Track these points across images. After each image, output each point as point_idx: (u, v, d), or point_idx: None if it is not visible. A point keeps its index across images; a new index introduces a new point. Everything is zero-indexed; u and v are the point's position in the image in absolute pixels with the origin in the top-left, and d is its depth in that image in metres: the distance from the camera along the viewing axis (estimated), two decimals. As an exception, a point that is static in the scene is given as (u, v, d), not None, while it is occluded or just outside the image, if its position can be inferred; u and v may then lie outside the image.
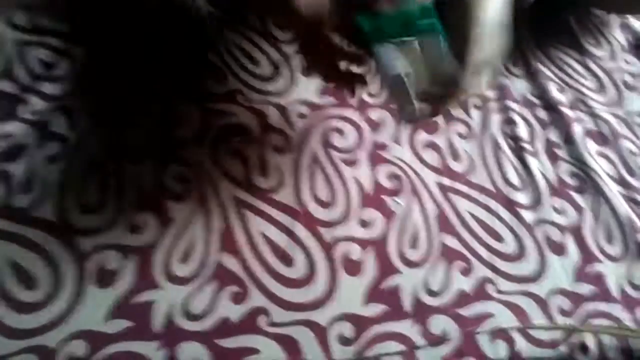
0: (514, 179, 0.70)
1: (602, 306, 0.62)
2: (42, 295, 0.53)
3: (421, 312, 0.58)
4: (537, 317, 0.60)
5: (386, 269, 0.60)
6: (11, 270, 0.53)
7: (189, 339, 0.53)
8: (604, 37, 0.88)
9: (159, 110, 0.65)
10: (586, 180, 0.71)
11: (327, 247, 0.60)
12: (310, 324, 0.56)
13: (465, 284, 0.61)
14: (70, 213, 0.57)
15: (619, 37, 0.89)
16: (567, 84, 0.80)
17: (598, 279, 0.64)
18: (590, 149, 0.74)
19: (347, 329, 0.56)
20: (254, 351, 0.54)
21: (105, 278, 0.55)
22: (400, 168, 0.67)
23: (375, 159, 0.67)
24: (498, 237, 0.65)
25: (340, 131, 0.68)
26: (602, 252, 0.66)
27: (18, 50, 0.65)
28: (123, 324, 0.53)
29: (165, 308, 0.54)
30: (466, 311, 0.59)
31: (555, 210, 0.68)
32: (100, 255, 0.55)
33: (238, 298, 0.56)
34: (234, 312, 0.55)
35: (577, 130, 0.75)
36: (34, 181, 0.58)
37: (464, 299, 0.60)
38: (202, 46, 0.71)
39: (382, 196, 0.65)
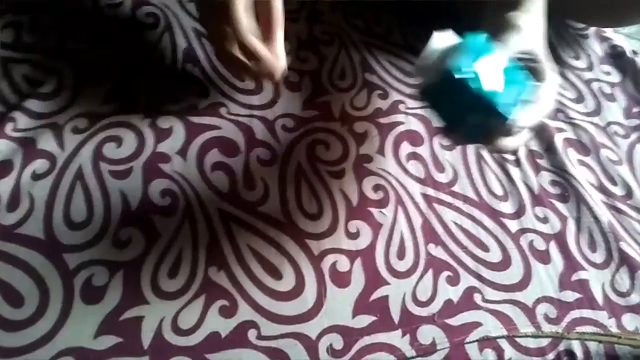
0: (498, 188, 0.70)
1: (588, 313, 0.63)
2: (29, 313, 0.52)
3: (410, 323, 0.59)
4: (523, 325, 0.60)
5: (374, 280, 0.61)
6: (-3, 288, 0.53)
7: (179, 354, 0.53)
8: (582, 49, 0.90)
9: (144, 125, 0.65)
10: (568, 188, 0.71)
11: (315, 259, 0.61)
12: (299, 337, 0.56)
13: (452, 293, 0.61)
14: (56, 229, 0.57)
15: (596, 48, 0.91)
16: (547, 94, 0.81)
17: (583, 286, 0.64)
18: (572, 158, 0.75)
19: (337, 341, 0.56)
20: (244, 365, 0.54)
21: (93, 294, 0.54)
22: (386, 179, 0.68)
23: (361, 171, 0.68)
24: (483, 247, 0.65)
25: (325, 143, 0.69)
26: (586, 259, 0.66)
27: (3, 67, 0.65)
28: (112, 340, 0.52)
29: (154, 323, 0.54)
30: (454, 321, 0.60)
31: (539, 219, 0.69)
32: (87, 272, 0.55)
33: (227, 312, 0.56)
34: (223, 326, 0.55)
35: (558, 139, 0.76)
36: (20, 198, 0.57)
37: (451, 308, 0.60)
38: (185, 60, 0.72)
39: (369, 208, 0.65)
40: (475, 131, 0.50)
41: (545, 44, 0.55)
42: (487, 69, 0.46)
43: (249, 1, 0.55)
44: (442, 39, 0.49)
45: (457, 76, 0.45)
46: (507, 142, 0.51)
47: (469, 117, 0.49)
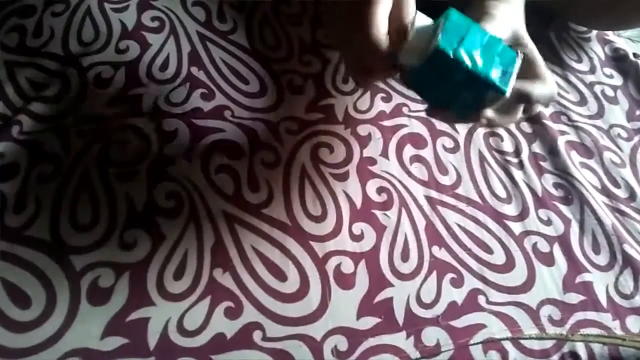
0: (501, 191, 0.70)
1: (592, 315, 0.63)
2: (36, 314, 0.53)
3: (414, 325, 0.59)
4: (528, 327, 0.61)
5: (378, 282, 0.61)
6: (4, 290, 0.53)
7: (185, 355, 0.53)
8: (584, 51, 0.90)
9: (149, 128, 0.65)
10: (571, 191, 0.72)
11: (319, 261, 0.61)
12: (304, 338, 0.56)
13: (456, 295, 0.62)
14: (63, 231, 0.57)
15: (598, 50, 0.91)
16: (549, 97, 0.82)
17: (587, 289, 0.64)
18: (575, 161, 0.75)
19: (342, 343, 0.56)
20: (249, 366, 0.54)
21: (99, 296, 0.55)
22: (389, 182, 0.68)
23: (365, 174, 0.68)
24: (487, 249, 0.65)
25: (329, 146, 0.69)
26: (590, 261, 0.66)
27: (8, 71, 0.65)
28: (118, 342, 0.53)
29: (160, 325, 0.54)
30: (458, 322, 0.60)
31: (542, 221, 0.69)
32: (93, 273, 0.56)
33: (232, 313, 0.56)
34: (228, 327, 0.55)
35: (561, 142, 0.76)
36: (27, 200, 0.58)
37: (455, 310, 0.61)
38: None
39: (372, 210, 0.65)
40: (466, 109, 0.50)
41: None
42: (477, 45, 0.46)
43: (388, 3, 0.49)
44: (424, 21, 0.49)
45: (449, 53, 0.44)
46: (501, 119, 0.51)
47: (462, 94, 0.48)
